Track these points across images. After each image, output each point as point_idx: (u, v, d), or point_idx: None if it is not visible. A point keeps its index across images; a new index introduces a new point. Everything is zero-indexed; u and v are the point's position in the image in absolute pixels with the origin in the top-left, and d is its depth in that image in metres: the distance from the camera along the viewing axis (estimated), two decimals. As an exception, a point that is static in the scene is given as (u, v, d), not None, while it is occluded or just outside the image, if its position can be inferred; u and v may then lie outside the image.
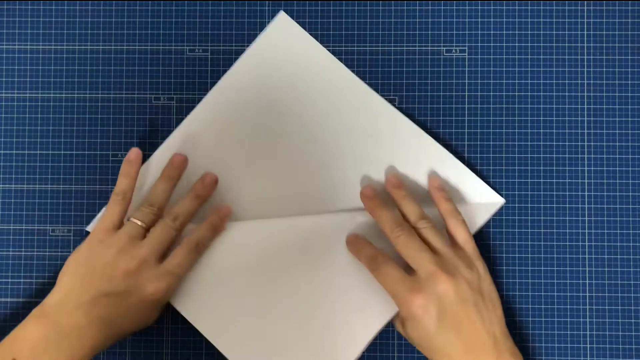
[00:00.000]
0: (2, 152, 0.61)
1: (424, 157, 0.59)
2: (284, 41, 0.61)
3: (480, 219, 0.59)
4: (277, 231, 0.58)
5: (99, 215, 0.59)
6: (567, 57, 0.61)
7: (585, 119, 0.61)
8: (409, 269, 0.54)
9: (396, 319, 0.57)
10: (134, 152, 0.58)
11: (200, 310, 0.58)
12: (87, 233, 0.60)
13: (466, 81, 0.61)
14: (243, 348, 0.57)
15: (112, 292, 0.53)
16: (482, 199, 0.59)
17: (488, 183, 0.60)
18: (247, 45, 0.61)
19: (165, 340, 0.60)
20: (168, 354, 0.60)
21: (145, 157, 0.59)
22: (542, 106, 0.61)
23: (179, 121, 0.61)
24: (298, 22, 0.61)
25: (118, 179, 0.57)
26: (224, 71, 0.61)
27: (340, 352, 0.57)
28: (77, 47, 0.62)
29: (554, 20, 0.61)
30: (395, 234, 0.55)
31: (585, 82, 0.61)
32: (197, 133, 0.60)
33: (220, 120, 0.60)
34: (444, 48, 0.62)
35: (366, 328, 0.57)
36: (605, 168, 0.60)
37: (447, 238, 0.56)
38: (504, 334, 0.53)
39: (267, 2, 0.62)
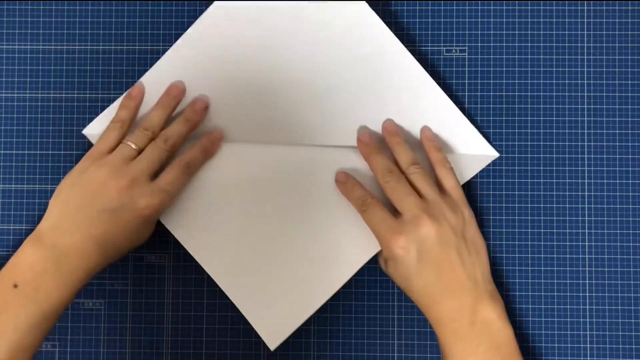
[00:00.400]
0: (2, 152, 0.61)
1: (424, 100, 0.59)
2: None
3: (471, 170, 0.59)
4: (272, 157, 0.59)
5: (97, 120, 0.60)
6: (567, 57, 0.61)
7: (585, 119, 0.61)
8: (397, 214, 0.55)
9: (380, 258, 0.58)
10: (136, 89, 0.59)
11: (190, 231, 0.58)
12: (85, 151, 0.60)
13: (466, 81, 0.61)
14: (230, 272, 0.58)
15: (105, 208, 0.53)
16: (476, 150, 0.59)
17: (488, 183, 0.60)
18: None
19: (165, 340, 0.60)
20: (168, 354, 0.60)
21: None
22: (542, 106, 0.61)
23: (179, 121, 0.61)
24: (298, 22, 0.61)
25: (117, 110, 0.59)
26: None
27: (323, 283, 0.58)
28: (77, 47, 0.62)
29: (554, 20, 0.61)
30: (385, 179, 0.56)
31: (585, 82, 0.61)
32: (193, 53, 0.59)
33: (217, 41, 0.59)
34: (444, 48, 0.62)
35: (350, 262, 0.58)
36: (605, 168, 0.60)
37: (436, 185, 0.57)
38: (485, 278, 0.54)
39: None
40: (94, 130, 0.60)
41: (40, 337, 0.51)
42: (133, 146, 0.56)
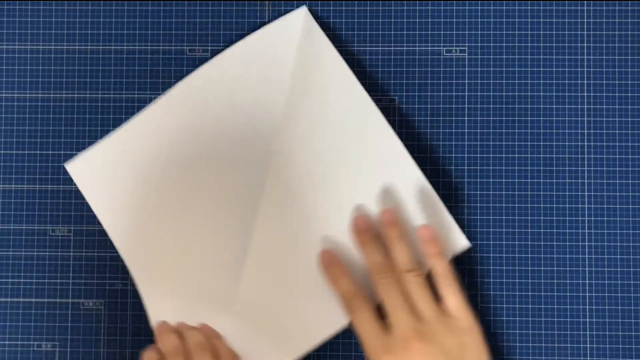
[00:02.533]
0: (2, 152, 0.61)
1: (400, 183, 0.57)
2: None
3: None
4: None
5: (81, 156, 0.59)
6: (567, 57, 0.61)
7: (585, 119, 0.61)
8: (385, 318, 0.53)
9: None
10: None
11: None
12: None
13: (466, 81, 0.61)
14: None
15: None
16: (449, 239, 0.57)
17: (488, 183, 0.60)
18: (247, 45, 0.61)
19: (165, 340, 0.60)
20: (168, 354, 0.60)
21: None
22: (542, 106, 0.61)
23: (179, 121, 0.60)
24: (298, 22, 0.61)
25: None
26: (224, 71, 0.61)
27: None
28: (77, 47, 0.62)
29: (554, 20, 0.61)
30: (379, 277, 0.53)
31: (585, 82, 0.61)
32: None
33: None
34: (444, 48, 0.62)
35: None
36: (605, 168, 0.60)
37: (433, 297, 0.53)
38: None
39: (266, 2, 0.62)
40: (79, 168, 0.59)
41: None
42: None
